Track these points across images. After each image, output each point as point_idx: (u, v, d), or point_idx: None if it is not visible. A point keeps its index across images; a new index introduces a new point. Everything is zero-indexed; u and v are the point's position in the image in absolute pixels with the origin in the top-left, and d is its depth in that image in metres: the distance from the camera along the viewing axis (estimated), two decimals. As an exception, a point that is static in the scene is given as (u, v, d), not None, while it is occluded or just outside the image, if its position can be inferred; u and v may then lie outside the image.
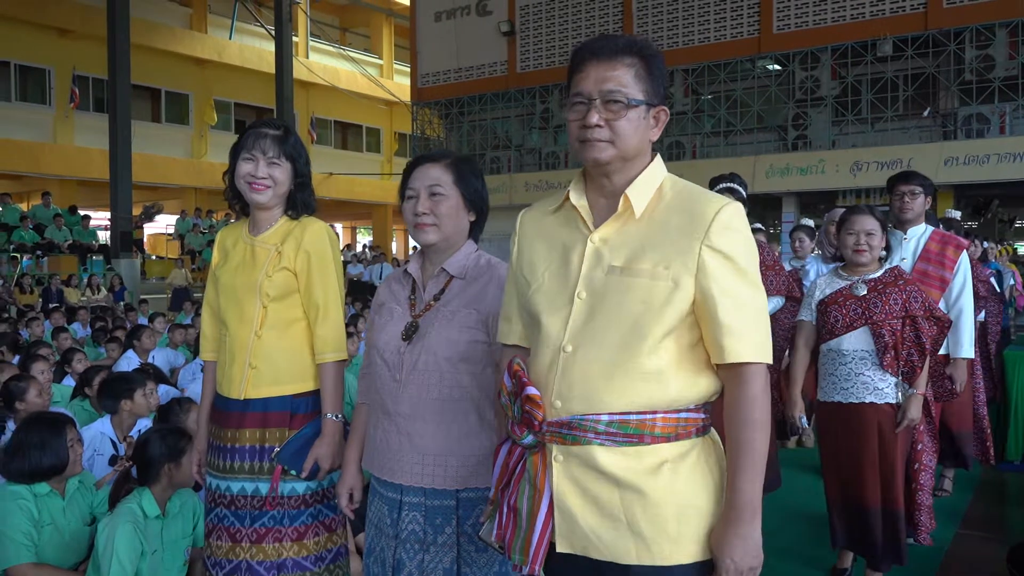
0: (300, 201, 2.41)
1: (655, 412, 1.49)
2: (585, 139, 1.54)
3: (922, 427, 3.48)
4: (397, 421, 1.98)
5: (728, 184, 4.30)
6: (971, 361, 4.96)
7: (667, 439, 1.50)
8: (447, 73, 19.07)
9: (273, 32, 20.78)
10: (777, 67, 15.46)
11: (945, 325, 3.33)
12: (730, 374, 1.52)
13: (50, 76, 19.11)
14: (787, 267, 5.58)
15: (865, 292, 3.30)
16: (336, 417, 2.33)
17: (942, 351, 3.81)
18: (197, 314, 9.16)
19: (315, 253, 2.35)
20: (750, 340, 1.49)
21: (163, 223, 22.01)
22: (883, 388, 3.27)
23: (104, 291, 14.24)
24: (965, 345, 3.91)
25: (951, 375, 3.84)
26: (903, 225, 3.96)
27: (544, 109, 17.71)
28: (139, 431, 3.71)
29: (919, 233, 3.95)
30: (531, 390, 1.54)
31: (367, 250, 22.16)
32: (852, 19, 14.59)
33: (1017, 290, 10.26)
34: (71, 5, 18.91)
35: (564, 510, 1.54)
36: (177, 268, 15.99)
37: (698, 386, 1.54)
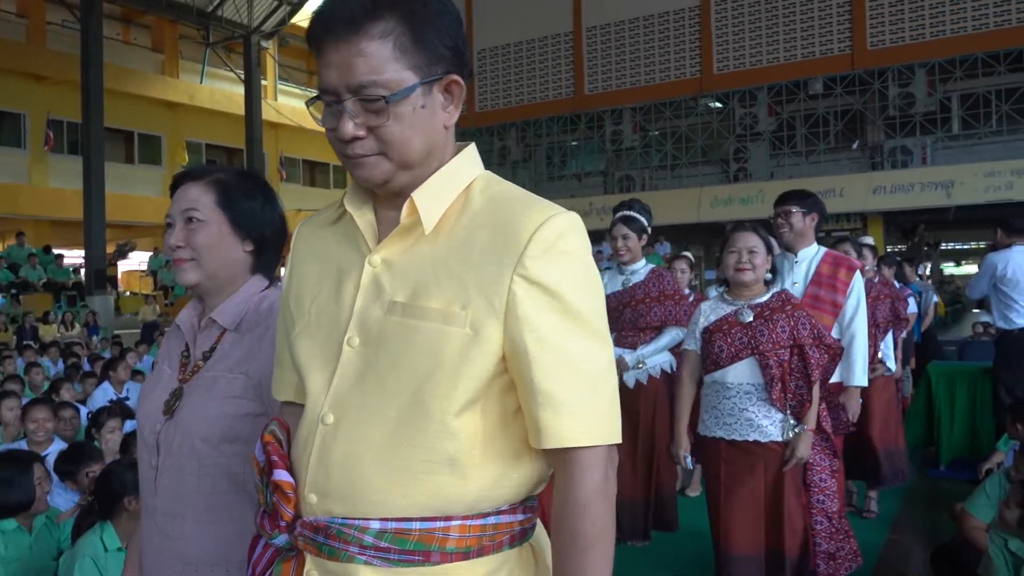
0: None
1: (449, 519, 1.05)
2: (346, 155, 1.08)
3: (817, 465, 3.14)
4: (156, 518, 1.54)
5: (627, 212, 4.00)
6: (894, 379, 4.76)
7: (465, 555, 1.05)
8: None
9: (243, 76, 21.62)
10: (718, 105, 16.53)
11: (836, 352, 3.03)
12: (556, 462, 1.07)
13: (24, 120, 19.70)
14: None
15: (751, 319, 3.01)
16: None
17: (835, 379, 3.51)
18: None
19: None
20: (582, 416, 1.03)
21: (136, 260, 22.51)
22: (766, 426, 2.98)
23: (78, 327, 14.74)
24: (858, 373, 3.60)
25: (844, 404, 3.55)
26: (792, 247, 3.67)
27: (502, 147, 18.61)
28: (51, 453, 3.76)
29: (811, 255, 3.64)
30: (281, 475, 1.11)
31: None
32: (785, 60, 15.75)
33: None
34: (46, 52, 19.59)
35: None
36: (147, 304, 16.50)
37: (515, 479, 1.08)
